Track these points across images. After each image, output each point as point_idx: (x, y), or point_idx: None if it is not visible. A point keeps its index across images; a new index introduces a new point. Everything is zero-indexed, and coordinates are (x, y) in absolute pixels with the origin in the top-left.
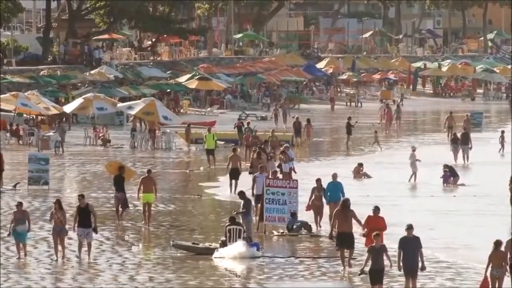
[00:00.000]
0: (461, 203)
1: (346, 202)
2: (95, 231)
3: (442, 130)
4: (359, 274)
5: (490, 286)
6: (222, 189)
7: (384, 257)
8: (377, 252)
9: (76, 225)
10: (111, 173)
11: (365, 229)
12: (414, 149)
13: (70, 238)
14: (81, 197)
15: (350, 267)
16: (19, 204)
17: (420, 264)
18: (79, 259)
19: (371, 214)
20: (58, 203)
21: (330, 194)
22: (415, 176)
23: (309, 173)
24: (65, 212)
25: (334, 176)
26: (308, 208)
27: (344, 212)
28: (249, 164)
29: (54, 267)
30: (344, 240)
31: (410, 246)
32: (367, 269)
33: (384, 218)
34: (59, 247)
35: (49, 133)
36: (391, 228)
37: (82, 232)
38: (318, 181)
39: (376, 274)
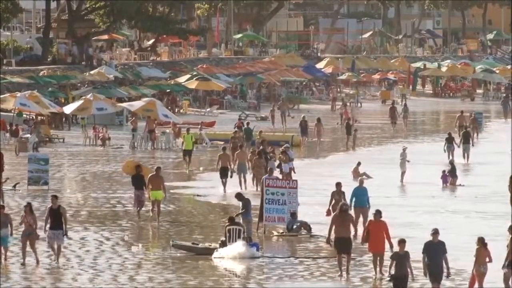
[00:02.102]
0: (462, 204)
1: (343, 206)
2: (66, 234)
3: (453, 129)
4: (389, 280)
5: (478, 284)
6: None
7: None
8: (400, 258)
9: (48, 226)
10: (128, 173)
11: (365, 234)
12: (404, 149)
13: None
14: (54, 198)
15: (348, 273)
16: (1, 207)
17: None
18: (57, 262)
19: (372, 218)
20: (29, 206)
21: (356, 199)
22: (403, 176)
23: (311, 173)
24: (36, 216)
25: (361, 181)
26: (328, 213)
27: (341, 217)
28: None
29: (54, 267)
30: (342, 245)
31: (436, 251)
32: (392, 272)
33: (385, 222)
34: (34, 251)
35: (27, 135)
36: (396, 229)
37: (52, 235)
38: (338, 185)
39: (400, 281)
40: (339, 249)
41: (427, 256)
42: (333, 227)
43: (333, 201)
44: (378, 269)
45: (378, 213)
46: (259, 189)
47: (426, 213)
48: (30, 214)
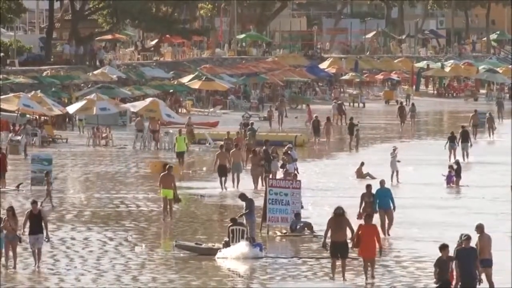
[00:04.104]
0: (471, 203)
1: (339, 210)
2: (48, 239)
3: (467, 128)
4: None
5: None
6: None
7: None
8: (444, 264)
9: (27, 230)
10: (157, 173)
11: (354, 240)
12: (395, 149)
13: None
14: (34, 203)
15: (344, 278)
16: None
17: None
18: (38, 266)
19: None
20: (12, 210)
21: (379, 201)
22: (396, 175)
23: (314, 173)
24: (18, 220)
25: (382, 182)
26: (360, 216)
27: (336, 220)
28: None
29: (57, 268)
30: (336, 250)
31: (468, 257)
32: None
33: (376, 226)
34: (11, 255)
35: (18, 137)
36: (408, 230)
37: (34, 240)
38: (368, 187)
39: (444, 286)
40: (333, 253)
41: (459, 263)
42: (329, 231)
43: (363, 204)
44: (369, 274)
45: (369, 217)
46: (256, 187)
47: (436, 213)
48: (13, 218)
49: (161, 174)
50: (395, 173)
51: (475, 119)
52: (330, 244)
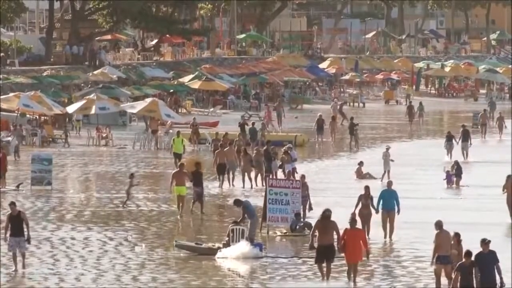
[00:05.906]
0: (469, 204)
1: (326, 213)
2: (29, 241)
3: (477, 127)
4: None
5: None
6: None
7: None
8: (466, 270)
9: (8, 234)
10: (188, 170)
11: (341, 243)
12: (388, 148)
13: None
14: (12, 205)
15: (327, 279)
16: None
17: (498, 280)
18: (15, 271)
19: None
20: None
21: (384, 201)
22: (387, 174)
23: (315, 173)
24: None
25: (389, 183)
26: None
27: (323, 224)
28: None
29: (57, 267)
30: (323, 253)
31: (487, 261)
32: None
33: (363, 231)
34: None
35: (8, 138)
36: (404, 230)
37: (14, 242)
38: (366, 188)
39: None
40: (319, 257)
41: (478, 267)
42: (316, 234)
43: (360, 205)
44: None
45: (353, 221)
46: (251, 186)
47: (436, 213)
48: None
49: (174, 171)
50: (386, 172)
51: (484, 119)
52: (317, 247)
